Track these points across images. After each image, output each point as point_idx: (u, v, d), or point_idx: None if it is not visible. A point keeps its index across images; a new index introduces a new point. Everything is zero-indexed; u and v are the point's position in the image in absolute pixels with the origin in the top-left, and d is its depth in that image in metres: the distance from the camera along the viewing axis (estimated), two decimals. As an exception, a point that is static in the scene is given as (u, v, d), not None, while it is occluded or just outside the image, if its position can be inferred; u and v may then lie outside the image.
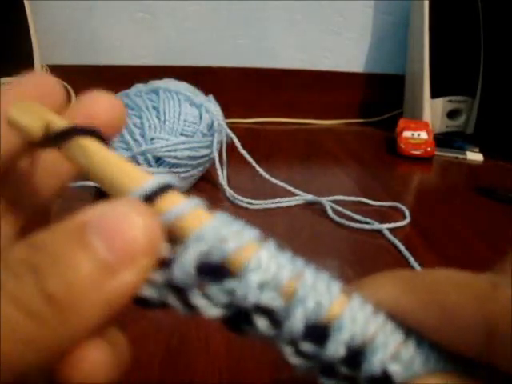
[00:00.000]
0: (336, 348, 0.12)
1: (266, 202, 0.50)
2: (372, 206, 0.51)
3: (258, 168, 0.51)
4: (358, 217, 0.47)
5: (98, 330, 0.11)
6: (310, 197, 0.51)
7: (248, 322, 0.12)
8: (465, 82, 0.83)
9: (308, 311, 0.12)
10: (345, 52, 0.94)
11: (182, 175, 0.49)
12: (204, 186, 0.54)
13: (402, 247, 0.42)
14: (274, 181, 0.52)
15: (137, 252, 0.11)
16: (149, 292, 0.12)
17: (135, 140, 0.46)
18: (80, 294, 0.10)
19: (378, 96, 0.95)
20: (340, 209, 0.49)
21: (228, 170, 0.53)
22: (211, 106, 0.51)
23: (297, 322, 0.12)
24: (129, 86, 0.52)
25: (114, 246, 0.11)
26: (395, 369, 0.12)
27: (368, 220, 0.46)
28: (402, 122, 0.76)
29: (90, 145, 0.13)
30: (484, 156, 0.74)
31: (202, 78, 0.69)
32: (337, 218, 0.47)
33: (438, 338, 0.12)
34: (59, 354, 0.11)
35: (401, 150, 0.72)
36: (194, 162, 0.49)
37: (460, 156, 0.74)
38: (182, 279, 0.12)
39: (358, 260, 0.41)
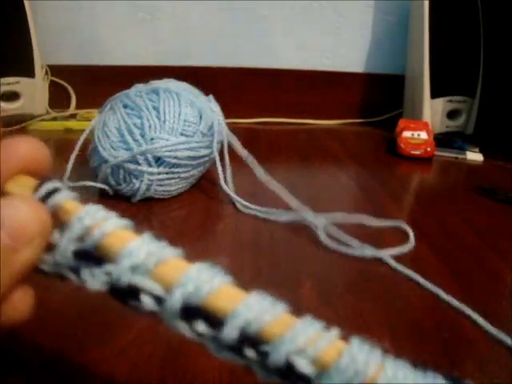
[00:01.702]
0: (231, 332, 0.14)
1: (262, 209, 0.47)
2: (373, 227, 0.44)
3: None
4: (355, 242, 0.41)
5: (13, 287, 0.16)
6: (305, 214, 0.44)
7: (135, 298, 0.15)
8: (465, 82, 0.83)
9: (186, 293, 0.14)
10: (345, 52, 0.94)
11: (182, 175, 0.49)
12: (204, 186, 0.54)
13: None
14: (271, 187, 0.47)
15: (31, 234, 0.15)
16: (46, 267, 0.17)
17: (135, 140, 0.46)
18: None
19: (377, 96, 0.95)
20: (335, 233, 0.42)
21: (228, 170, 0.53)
22: (211, 106, 0.51)
23: (175, 302, 0.14)
24: (129, 86, 0.52)
25: (13, 232, 0.15)
26: (300, 362, 0.13)
27: (366, 246, 0.40)
28: (401, 122, 0.76)
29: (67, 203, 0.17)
30: (484, 156, 0.74)
31: (202, 78, 0.69)
32: (330, 243, 0.41)
33: None
34: None
35: (401, 150, 0.72)
36: (194, 162, 0.49)
37: (460, 156, 0.74)
38: (63, 262, 0.16)
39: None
